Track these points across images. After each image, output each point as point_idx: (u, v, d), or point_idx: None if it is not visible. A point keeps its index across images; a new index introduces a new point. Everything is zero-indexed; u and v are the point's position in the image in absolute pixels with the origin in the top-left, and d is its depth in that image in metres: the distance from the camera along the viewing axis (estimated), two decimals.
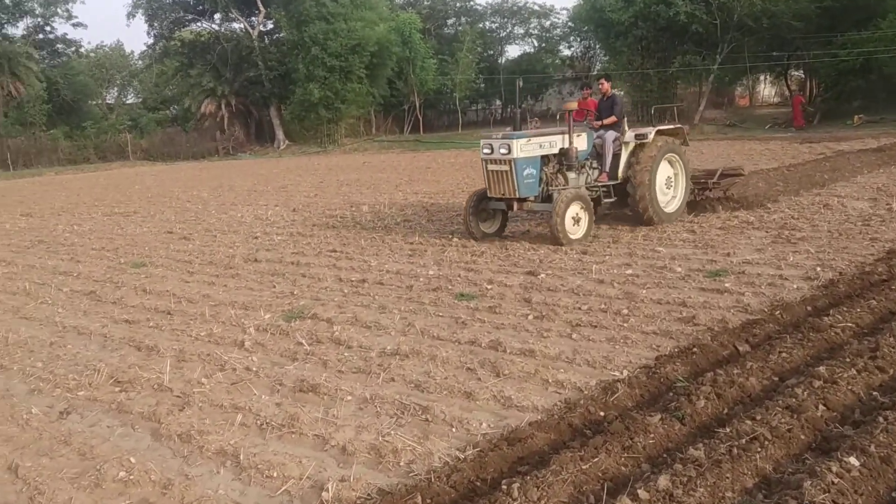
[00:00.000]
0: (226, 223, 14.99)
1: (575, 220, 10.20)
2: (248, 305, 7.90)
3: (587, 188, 10.90)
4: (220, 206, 18.42)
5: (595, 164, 11.20)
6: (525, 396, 4.93)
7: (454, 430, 4.55)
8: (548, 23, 62.59)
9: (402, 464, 4.15)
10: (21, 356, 6.57)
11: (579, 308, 6.97)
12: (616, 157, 11.07)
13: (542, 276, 8.31)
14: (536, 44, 64.37)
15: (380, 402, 5.00)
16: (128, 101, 67.91)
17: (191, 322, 7.46)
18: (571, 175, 10.76)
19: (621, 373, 5.27)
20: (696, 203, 12.53)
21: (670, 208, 11.51)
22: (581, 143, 10.73)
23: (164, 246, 12.45)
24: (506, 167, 10.09)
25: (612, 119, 11.10)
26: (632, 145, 11.10)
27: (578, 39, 59.96)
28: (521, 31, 64.44)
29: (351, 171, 28.47)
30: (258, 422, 4.85)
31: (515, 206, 10.64)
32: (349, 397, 5.13)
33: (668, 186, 11.51)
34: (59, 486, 4.00)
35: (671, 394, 4.77)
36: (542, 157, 10.37)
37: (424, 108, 53.66)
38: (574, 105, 11.09)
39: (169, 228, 14.69)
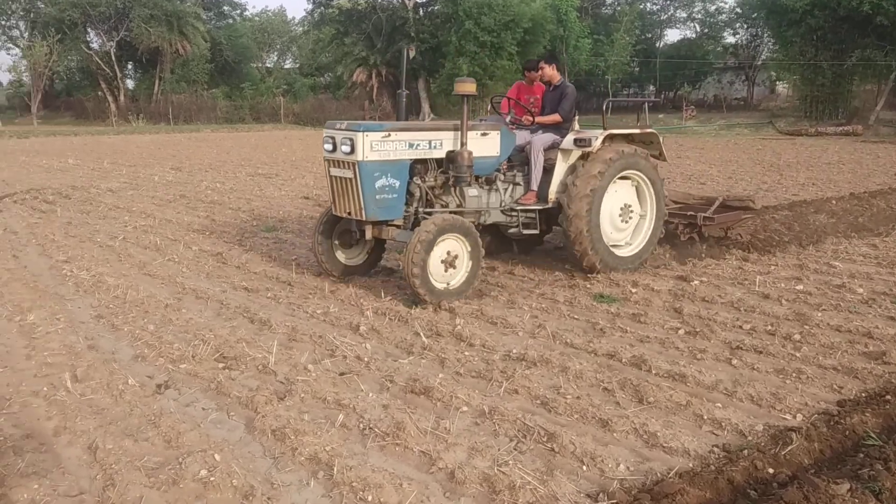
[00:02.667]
0: None
1: (447, 263, 6.73)
2: (369, 286, 7.41)
3: (504, 212, 7.71)
4: None
5: (519, 178, 7.83)
6: (673, 434, 4.10)
7: (584, 468, 3.81)
8: (713, 7, 59.14)
9: None
10: (135, 317, 6.34)
11: (740, 327, 6.00)
12: (549, 170, 7.64)
13: (696, 283, 7.34)
14: (699, 29, 61.05)
15: (499, 419, 4.31)
16: (285, 66, 70.05)
17: (309, 297, 7.05)
18: (472, 192, 7.37)
19: (795, 417, 4.34)
20: (680, 244, 8.97)
21: (626, 251, 8.01)
22: (485, 145, 7.27)
23: (299, 212, 12.26)
24: (349, 173, 6.69)
25: (554, 118, 7.84)
26: (573, 155, 7.59)
27: (745, 26, 56.26)
28: (684, 14, 61.27)
29: None
30: (361, 425, 4.29)
31: (370, 232, 7.13)
32: (465, 408, 4.48)
33: (625, 219, 7.95)
34: (135, 477, 3.58)
35: (861, 455, 3.82)
36: (414, 162, 7.00)
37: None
38: (471, 87, 6.90)
39: (306, 194, 14.58)
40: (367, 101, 50.14)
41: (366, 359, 5.35)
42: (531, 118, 7.88)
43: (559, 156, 7.60)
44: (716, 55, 58.33)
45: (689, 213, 8.94)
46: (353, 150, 6.54)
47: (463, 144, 6.97)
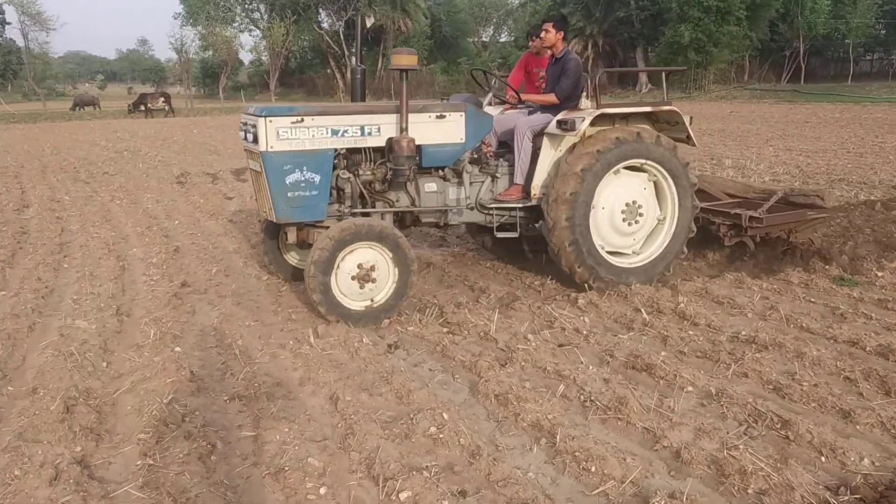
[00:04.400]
0: None
1: (362, 278, 5.63)
2: None
3: (482, 210, 6.44)
4: None
5: (506, 169, 6.52)
6: None
7: (823, 459, 3.57)
8: None
9: (750, 491, 3.31)
10: None
11: None
12: (536, 159, 6.28)
13: None
14: None
15: (727, 402, 4.14)
16: (501, 40, 70.76)
17: (525, 268, 7.14)
18: (430, 187, 6.22)
19: None
20: (723, 249, 7.29)
21: (632, 260, 6.50)
22: (443, 130, 5.97)
23: None
24: (258, 166, 5.73)
25: (548, 98, 6.37)
26: (561, 143, 6.15)
27: None
28: None
29: (715, 119, 26.46)
30: (581, 397, 4.30)
31: (293, 235, 6.08)
32: (689, 388, 4.35)
33: (630, 221, 6.41)
34: (371, 429, 3.84)
35: None
36: (342, 152, 5.91)
37: (809, 55, 48.10)
38: (410, 60, 5.60)
39: None
40: (583, 72, 49.29)
41: (584, 332, 5.34)
42: (517, 95, 6.67)
43: (544, 142, 6.21)
44: None
45: (733, 212, 6.96)
46: (255, 140, 5.56)
47: (402, 130, 5.74)
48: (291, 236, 6.07)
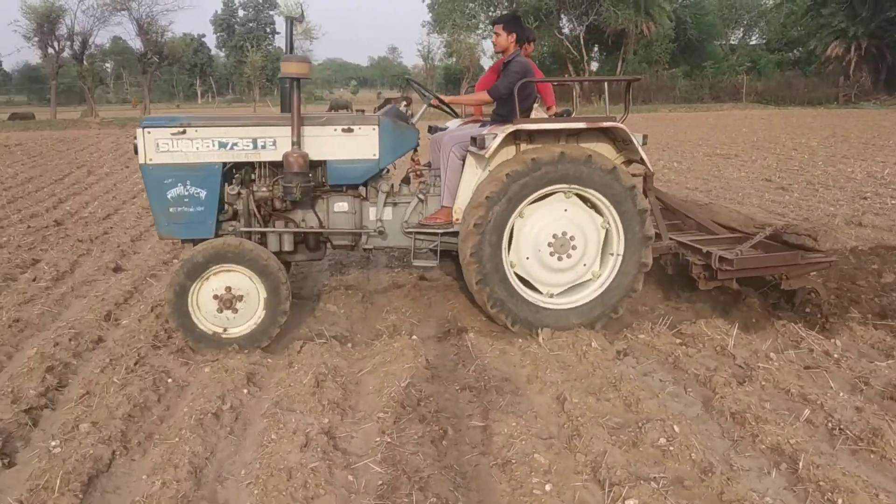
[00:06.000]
0: (831, 177, 13.44)
1: (225, 301, 5.16)
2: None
3: (410, 232, 5.73)
4: (828, 157, 16.67)
5: (435, 191, 5.83)
6: None
7: None
8: None
9: None
10: None
11: None
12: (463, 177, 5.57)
13: None
14: None
15: None
16: (751, 42, 66.80)
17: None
18: (340, 206, 5.66)
19: None
20: (690, 292, 6.14)
21: (564, 300, 5.56)
22: (351, 144, 5.42)
23: (759, 194, 11.67)
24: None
25: (478, 97, 5.95)
26: (489, 161, 5.37)
27: None
28: None
29: None
30: (829, 424, 3.97)
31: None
32: None
33: (560, 255, 5.45)
34: (598, 433, 3.81)
35: None
36: (233, 166, 5.46)
37: None
38: (301, 69, 5.06)
39: (767, 176, 13.80)
40: (842, 77, 45.32)
41: (835, 355, 4.92)
42: (439, 99, 5.97)
43: (468, 161, 5.52)
44: None
45: (705, 250, 5.72)
46: (136, 151, 5.26)
47: (294, 144, 5.22)
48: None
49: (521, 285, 5.48)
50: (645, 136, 5.53)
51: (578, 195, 5.43)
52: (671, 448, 3.67)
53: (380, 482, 3.44)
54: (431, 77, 58.98)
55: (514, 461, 3.59)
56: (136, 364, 4.86)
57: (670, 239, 5.98)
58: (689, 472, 3.51)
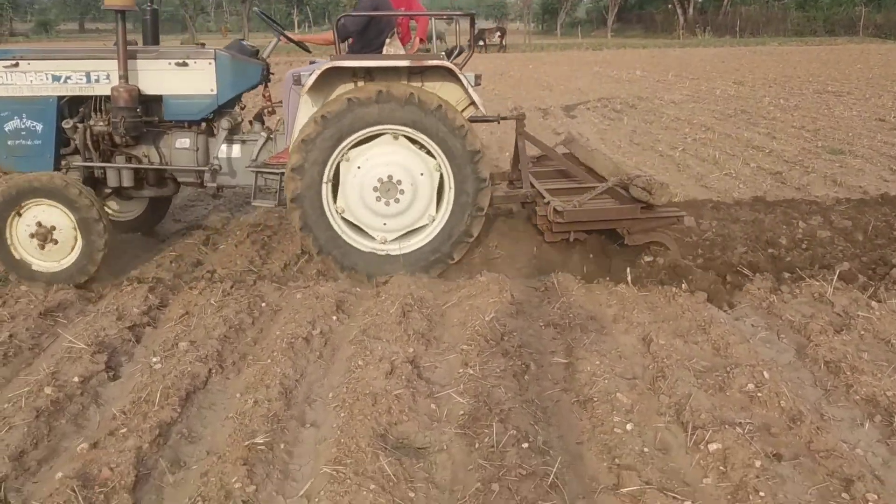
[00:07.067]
0: None
1: (42, 237, 5.08)
2: None
3: (264, 172, 5.49)
4: None
5: (276, 129, 5.67)
6: None
7: None
8: None
9: None
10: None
11: None
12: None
13: None
14: None
15: None
16: None
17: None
18: (182, 143, 5.47)
19: None
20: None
21: (396, 246, 5.30)
22: (185, 79, 5.28)
23: (871, 135, 11.01)
24: None
25: (324, 36, 5.88)
26: (313, 101, 5.18)
27: None
28: None
29: None
30: None
31: None
32: None
33: (388, 200, 5.19)
34: (683, 375, 3.76)
35: None
36: (74, 100, 5.36)
37: None
38: (124, 0, 5.08)
39: (882, 115, 12.99)
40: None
41: None
42: (287, 37, 5.76)
43: (302, 99, 5.27)
44: None
45: (545, 200, 5.37)
46: None
47: (121, 77, 5.10)
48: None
49: (349, 231, 5.33)
50: (478, 77, 5.31)
51: (409, 137, 5.19)
52: (759, 394, 3.59)
53: (461, 412, 3.50)
54: (528, 7, 57.46)
55: (595, 399, 3.59)
56: (232, 287, 5.06)
57: (532, 187, 5.72)
58: (776, 420, 3.43)
